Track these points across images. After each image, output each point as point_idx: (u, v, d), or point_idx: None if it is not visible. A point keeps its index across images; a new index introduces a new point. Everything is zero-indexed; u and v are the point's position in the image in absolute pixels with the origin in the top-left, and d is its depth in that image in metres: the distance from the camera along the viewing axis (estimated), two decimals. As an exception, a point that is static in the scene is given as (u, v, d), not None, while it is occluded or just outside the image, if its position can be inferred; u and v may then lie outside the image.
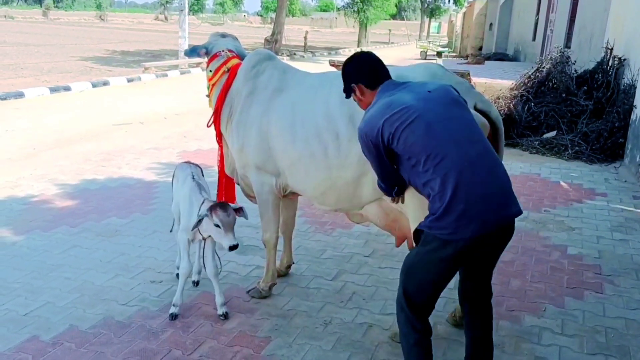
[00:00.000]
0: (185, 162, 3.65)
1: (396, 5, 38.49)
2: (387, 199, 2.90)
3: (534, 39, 17.70)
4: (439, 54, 27.30)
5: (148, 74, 15.51)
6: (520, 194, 5.59)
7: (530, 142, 7.79)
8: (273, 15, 39.71)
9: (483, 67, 15.85)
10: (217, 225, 2.99)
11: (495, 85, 9.78)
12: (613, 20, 9.51)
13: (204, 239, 3.21)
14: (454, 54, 29.28)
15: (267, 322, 3.28)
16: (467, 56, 19.83)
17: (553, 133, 7.98)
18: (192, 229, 3.11)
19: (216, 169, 6.55)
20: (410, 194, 2.60)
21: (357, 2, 32.24)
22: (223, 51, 3.55)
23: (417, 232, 2.33)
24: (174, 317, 3.26)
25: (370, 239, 4.58)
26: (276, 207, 3.47)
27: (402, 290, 2.37)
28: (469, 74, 9.31)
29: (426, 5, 54.61)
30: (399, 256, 4.29)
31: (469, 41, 28.06)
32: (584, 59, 9.76)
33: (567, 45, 12.43)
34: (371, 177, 2.92)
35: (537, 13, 17.59)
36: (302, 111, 3.13)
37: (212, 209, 3.01)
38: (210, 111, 3.58)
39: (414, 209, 2.68)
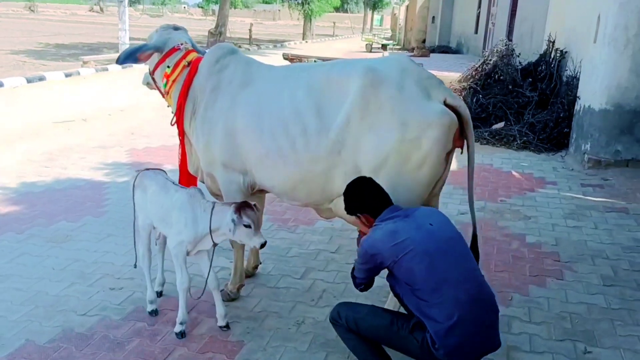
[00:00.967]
0: (148, 170, 3.26)
1: (340, -2, 38.54)
2: None
3: (476, 32, 18.20)
4: (384, 47, 27.58)
5: (87, 68, 14.74)
6: (476, 185, 5.69)
7: (480, 134, 7.97)
8: (215, 8, 38.86)
9: (429, 60, 16.17)
10: (248, 226, 2.81)
11: (443, 78, 9.86)
12: (553, 14, 9.88)
13: (215, 245, 3.00)
14: (398, 47, 29.71)
15: (238, 325, 3.18)
16: (413, 49, 20.16)
17: (501, 124, 8.20)
18: (233, 235, 2.84)
19: (168, 167, 6.33)
20: None
21: (301, -5, 32.05)
22: (182, 44, 3.39)
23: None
24: (182, 335, 3.06)
25: (334, 235, 4.54)
26: (244, 206, 3.35)
27: (354, 324, 2.51)
28: (421, 66, 9.42)
29: (369, -2, 54.98)
30: (365, 251, 4.28)
31: (412, 34, 28.56)
32: (525, 52, 10.08)
33: (509, 38, 12.82)
34: (342, 169, 2.87)
35: (479, 7, 18.08)
36: (268, 105, 3.04)
37: (239, 210, 2.80)
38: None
39: None
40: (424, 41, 26.89)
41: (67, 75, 13.65)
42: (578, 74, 7.53)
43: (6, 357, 2.82)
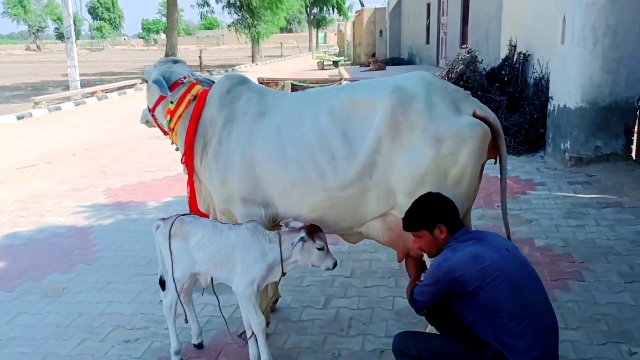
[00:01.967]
0: (181, 215, 3.00)
1: (285, 19, 38.79)
2: (395, 213, 2.78)
3: (427, 42, 18.59)
4: (335, 63, 27.80)
5: (39, 109, 14.24)
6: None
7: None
8: (156, 37, 38.41)
9: (386, 73, 16.38)
10: (321, 248, 2.72)
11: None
12: (509, 19, 10.16)
13: (284, 275, 2.86)
14: (349, 62, 30.04)
15: (275, 366, 3.01)
16: (369, 63, 20.39)
17: (476, 130, 8.30)
18: (309, 259, 2.76)
19: (152, 204, 6.07)
20: None
21: (248, 18, 32.05)
22: (185, 78, 3.23)
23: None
24: None
25: (344, 258, 4.40)
26: (265, 240, 3.19)
27: (427, 354, 2.39)
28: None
29: (312, 17, 55.69)
30: (380, 272, 4.18)
31: (361, 49, 28.96)
32: (483, 58, 10.30)
33: (464, 45, 13.13)
34: (376, 192, 2.78)
35: (428, 17, 18.51)
36: (289, 134, 2.91)
37: (310, 233, 2.72)
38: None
39: None
40: (373, 55, 27.32)
41: (19, 118, 13.13)
42: (546, 75, 7.73)
43: None
